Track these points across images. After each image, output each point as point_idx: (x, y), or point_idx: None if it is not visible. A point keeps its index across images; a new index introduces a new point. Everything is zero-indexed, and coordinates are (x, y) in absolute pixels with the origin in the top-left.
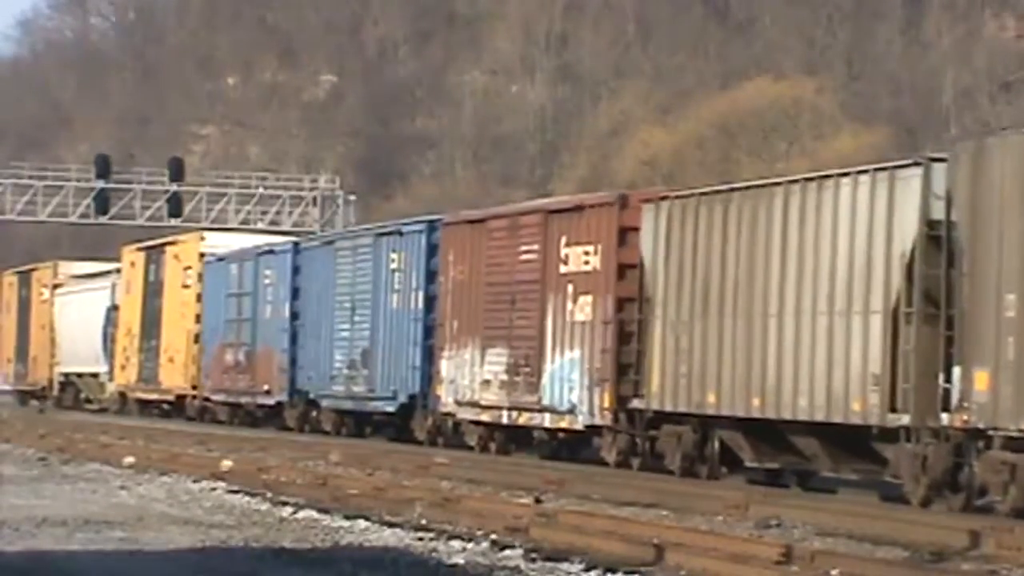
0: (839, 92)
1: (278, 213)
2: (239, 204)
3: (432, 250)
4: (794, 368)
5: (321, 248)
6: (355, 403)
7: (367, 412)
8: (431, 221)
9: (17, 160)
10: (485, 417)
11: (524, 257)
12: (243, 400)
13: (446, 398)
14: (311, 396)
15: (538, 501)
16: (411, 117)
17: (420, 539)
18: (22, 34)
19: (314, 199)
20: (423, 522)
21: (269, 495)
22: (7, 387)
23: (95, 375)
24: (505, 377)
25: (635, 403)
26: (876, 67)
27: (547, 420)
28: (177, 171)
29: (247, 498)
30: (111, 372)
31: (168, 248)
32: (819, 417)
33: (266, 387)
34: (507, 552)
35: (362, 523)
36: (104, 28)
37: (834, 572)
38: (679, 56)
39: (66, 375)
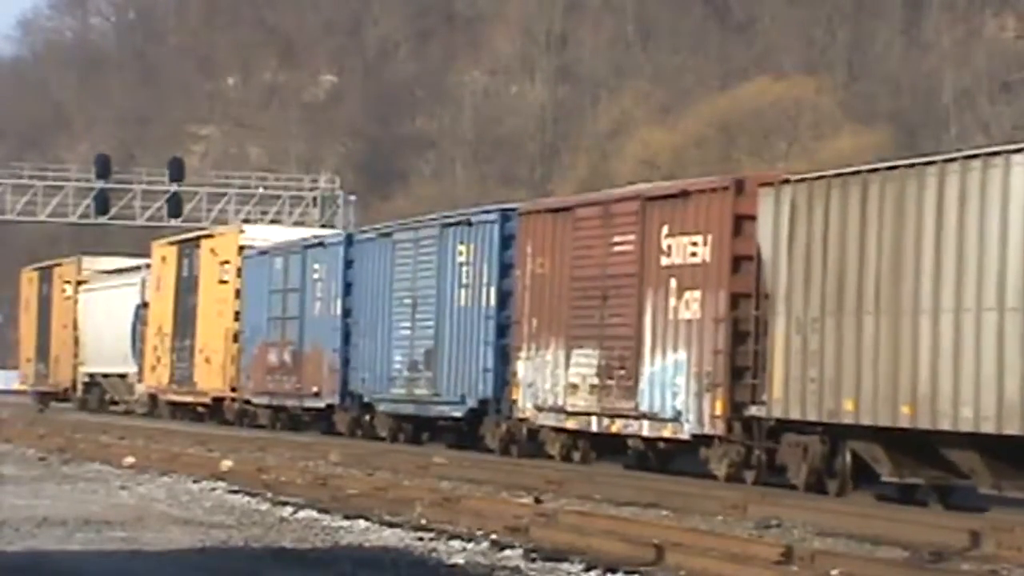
0: (839, 92)
1: (278, 213)
2: (239, 204)
3: (506, 241)
4: (954, 373)
5: (377, 240)
6: (417, 407)
7: (431, 417)
8: (505, 210)
9: (17, 160)
10: (570, 424)
11: (618, 248)
12: (288, 403)
13: (524, 403)
14: (366, 399)
15: (538, 501)
16: (411, 117)
17: (420, 539)
18: (22, 34)
19: (314, 199)
20: (423, 522)
21: (269, 495)
22: (27, 388)
23: (123, 376)
24: (595, 381)
25: (753, 410)
26: (876, 67)
27: (645, 428)
28: (177, 171)
29: (247, 498)
30: (140, 373)
31: (203, 242)
32: (987, 429)
33: (315, 389)
34: (507, 552)
35: (362, 523)
36: (104, 28)
37: (834, 572)
38: (679, 56)
39: (91, 376)
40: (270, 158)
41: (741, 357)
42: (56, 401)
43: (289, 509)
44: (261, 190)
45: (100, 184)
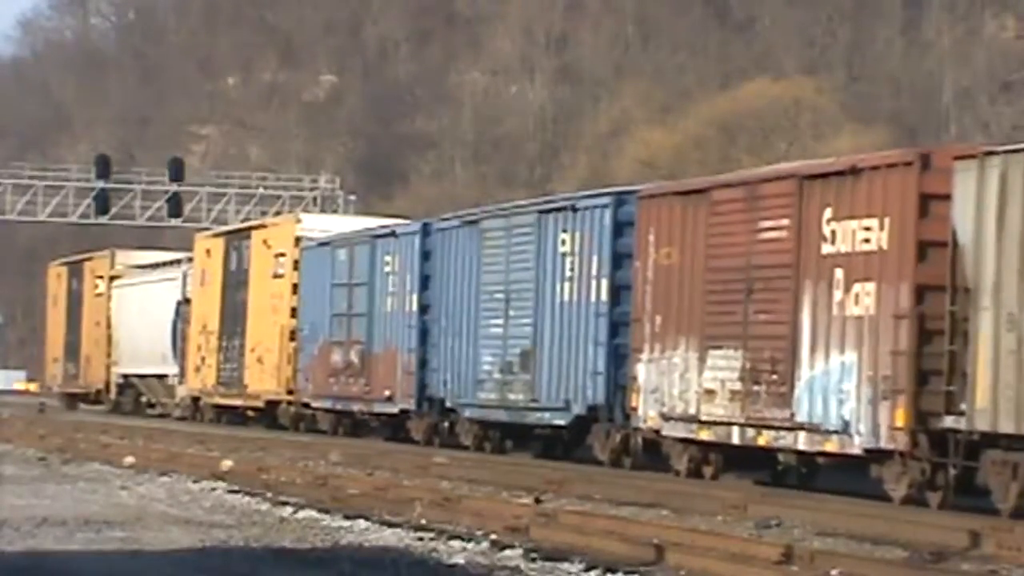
0: (839, 92)
1: (278, 213)
2: (239, 204)
3: (620, 229)
4: None
5: (462, 229)
6: (510, 414)
7: (526, 425)
8: (619, 193)
9: (17, 160)
10: (705, 435)
11: (767, 235)
12: (355, 407)
13: (646, 410)
14: (448, 404)
15: (538, 501)
16: (411, 117)
17: (420, 539)
18: (22, 34)
19: (314, 199)
20: (423, 522)
21: (269, 495)
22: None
23: (162, 377)
24: (738, 386)
25: (948, 422)
26: (876, 67)
27: (801, 441)
28: (177, 171)
29: (247, 498)
30: (182, 374)
31: (255, 233)
32: None
33: (387, 393)
34: (507, 552)
35: (362, 523)
36: (104, 28)
37: (834, 572)
38: (679, 56)
39: (126, 377)
40: (270, 158)
41: (929, 359)
42: (87, 403)
43: (289, 509)
44: (261, 190)
45: (100, 184)
